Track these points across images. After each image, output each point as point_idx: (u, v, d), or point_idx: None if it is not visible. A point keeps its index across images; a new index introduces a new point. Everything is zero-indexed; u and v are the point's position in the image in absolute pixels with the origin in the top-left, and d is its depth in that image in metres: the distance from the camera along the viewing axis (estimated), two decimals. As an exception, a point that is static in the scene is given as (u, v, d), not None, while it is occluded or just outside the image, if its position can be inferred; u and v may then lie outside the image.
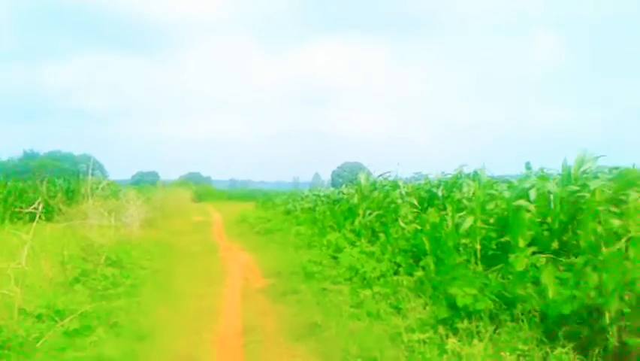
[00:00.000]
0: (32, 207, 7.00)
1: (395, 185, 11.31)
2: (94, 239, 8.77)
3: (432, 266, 7.27)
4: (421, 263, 7.70)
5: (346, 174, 72.57)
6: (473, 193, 8.23)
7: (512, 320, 5.35)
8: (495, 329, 5.31)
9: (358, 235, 10.66)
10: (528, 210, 6.69)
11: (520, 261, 6.07)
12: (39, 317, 5.89)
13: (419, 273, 7.18)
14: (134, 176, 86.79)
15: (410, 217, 9.60)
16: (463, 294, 5.74)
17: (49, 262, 7.46)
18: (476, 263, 6.93)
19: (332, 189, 20.43)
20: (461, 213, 7.87)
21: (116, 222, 12.24)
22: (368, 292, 7.33)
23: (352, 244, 10.18)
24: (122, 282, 8.31)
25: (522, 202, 6.73)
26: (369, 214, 11.10)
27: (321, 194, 20.50)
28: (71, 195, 21.76)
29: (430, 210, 7.77)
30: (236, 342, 6.67)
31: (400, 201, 10.10)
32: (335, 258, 10.06)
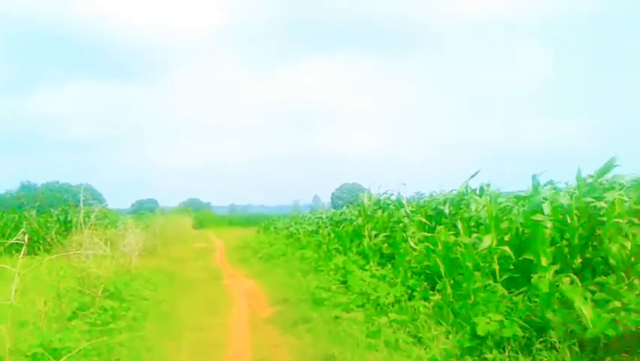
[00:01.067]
0: (16, 238, 6.60)
1: (399, 204, 10.95)
2: (91, 270, 8.37)
3: (449, 290, 6.90)
4: (437, 287, 7.33)
5: (345, 196, 72.35)
6: (484, 210, 7.91)
7: (547, 349, 4.96)
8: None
9: (366, 257, 10.28)
10: (546, 226, 6.34)
11: (544, 282, 5.70)
12: (34, 357, 5.48)
13: (436, 297, 6.79)
14: (133, 204, 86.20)
15: (419, 237, 9.24)
16: (488, 320, 5.36)
17: (43, 296, 7.05)
18: (495, 285, 6.54)
19: (333, 210, 20.08)
20: (476, 233, 7.53)
21: (114, 251, 11.84)
22: (384, 319, 6.93)
23: (361, 267, 9.79)
24: (122, 315, 7.89)
25: (540, 217, 6.38)
26: (375, 235, 10.73)
27: (323, 216, 20.15)
28: (69, 226, 21.34)
29: (440, 228, 7.41)
30: (246, 378, 6.25)
31: (406, 220, 9.73)
32: (344, 283, 9.67)
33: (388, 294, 7.48)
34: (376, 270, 9.16)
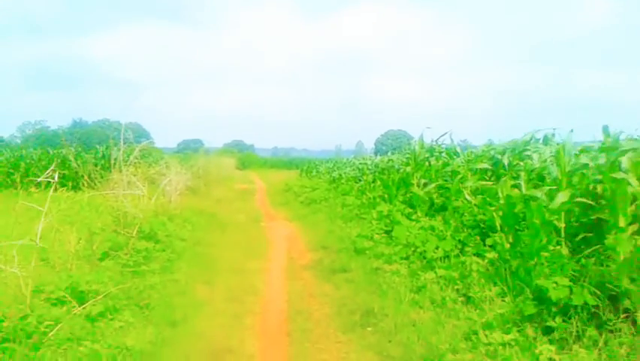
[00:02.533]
0: (46, 174, 6.26)
1: (454, 152, 10.12)
2: (127, 209, 8.07)
3: (506, 247, 6.21)
4: (488, 241, 6.64)
5: (390, 142, 71.09)
6: (551, 162, 7.05)
7: (622, 321, 4.28)
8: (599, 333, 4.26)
9: (413, 207, 9.61)
10: (629, 183, 5.49)
11: (623, 243, 4.93)
12: (58, 300, 5.20)
13: (491, 255, 6.12)
14: (179, 144, 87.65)
15: (474, 188, 8.48)
16: (555, 285, 4.68)
17: (74, 235, 6.78)
18: (559, 245, 5.79)
19: (379, 157, 19.29)
20: (539, 186, 6.72)
21: (155, 190, 11.62)
22: (430, 275, 6.35)
23: (408, 217, 9.15)
24: (156, 256, 7.61)
25: (621, 174, 5.52)
26: (425, 185, 10.01)
27: (368, 162, 19.44)
28: (108, 164, 21.50)
29: (504, 179, 6.63)
30: (280, 330, 5.86)
31: (462, 169, 8.94)
32: (388, 232, 9.09)
33: (437, 248, 6.85)
34: (424, 221, 8.51)
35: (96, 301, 5.26)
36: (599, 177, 5.63)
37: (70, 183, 21.22)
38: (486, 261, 6.07)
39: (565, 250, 5.61)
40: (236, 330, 5.76)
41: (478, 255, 6.46)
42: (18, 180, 20.85)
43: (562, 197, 5.37)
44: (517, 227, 6.37)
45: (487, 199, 7.12)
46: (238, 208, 18.16)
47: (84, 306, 5.20)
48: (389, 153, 18.15)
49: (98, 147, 24.89)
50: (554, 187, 5.73)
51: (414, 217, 9.13)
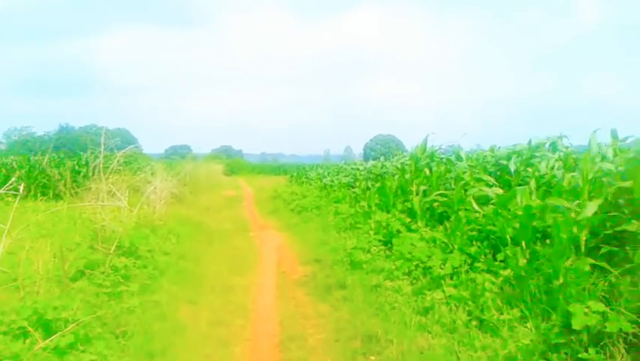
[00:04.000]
0: (9, 184, 5.60)
1: (457, 157, 9.55)
2: (105, 222, 7.39)
3: (520, 262, 5.63)
4: (499, 256, 6.06)
5: (379, 147, 70.61)
6: (575, 169, 6.54)
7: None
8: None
9: (413, 216, 9.02)
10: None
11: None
12: (21, 332, 4.53)
13: (505, 272, 5.54)
14: (166, 150, 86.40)
15: (477, 196, 7.93)
16: (586, 310, 4.12)
17: (47, 251, 6.11)
18: (584, 263, 5.21)
19: (371, 162, 18.70)
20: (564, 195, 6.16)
21: (138, 198, 10.94)
22: (438, 294, 5.76)
23: (408, 227, 8.57)
24: (136, 274, 6.93)
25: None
26: (424, 192, 9.42)
27: (360, 167, 18.87)
28: (87, 172, 20.69)
29: (522, 188, 6.05)
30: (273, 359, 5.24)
31: (466, 176, 8.37)
32: (386, 244, 8.51)
33: (444, 262, 6.26)
34: (425, 232, 7.93)
35: (65, 332, 4.59)
36: (624, 184, 5.10)
37: (51, 192, 20.47)
38: (500, 279, 5.49)
39: (586, 266, 5.06)
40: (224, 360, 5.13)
41: (489, 271, 5.87)
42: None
43: (592, 208, 4.81)
44: (533, 240, 5.82)
45: (499, 210, 6.54)
46: (225, 217, 17.50)
47: (51, 338, 4.53)
48: (382, 159, 17.62)
49: (82, 153, 23.96)
50: (578, 197, 5.18)
51: (414, 227, 8.56)
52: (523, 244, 5.77)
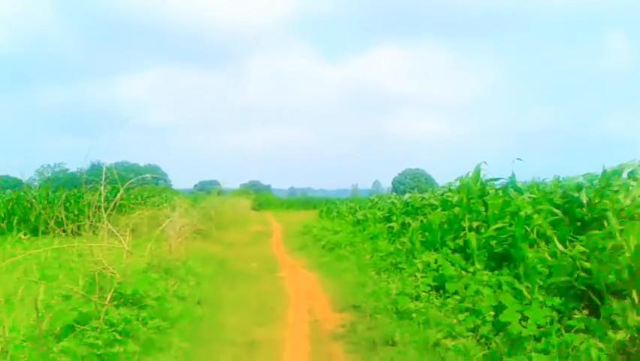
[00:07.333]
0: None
1: (515, 188, 8.18)
2: (103, 265, 6.25)
3: (634, 319, 4.23)
4: (603, 312, 4.67)
5: (408, 181, 69.33)
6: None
7: None
8: None
9: (468, 257, 7.65)
10: None
11: None
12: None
13: (619, 334, 4.14)
14: (195, 185, 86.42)
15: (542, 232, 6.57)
16: None
17: (27, 306, 5.00)
18: None
19: (408, 194, 17.35)
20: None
21: (151, 233, 9.86)
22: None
23: (464, 269, 7.21)
24: (137, 329, 5.72)
25: None
26: (478, 228, 8.08)
27: (396, 200, 17.52)
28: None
29: (633, 224, 4.71)
30: None
31: (529, 210, 7.01)
32: (437, 289, 7.16)
33: (525, 319, 4.88)
34: (486, 275, 6.57)
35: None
36: None
37: (70, 228, 19.69)
38: (611, 345, 4.09)
39: None
40: None
41: (587, 331, 4.48)
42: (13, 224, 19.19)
43: None
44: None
45: (586, 250, 5.18)
46: (252, 254, 16.31)
47: None
48: (415, 191, 16.34)
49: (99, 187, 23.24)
50: None
51: (471, 270, 7.19)
52: (634, 295, 4.38)
